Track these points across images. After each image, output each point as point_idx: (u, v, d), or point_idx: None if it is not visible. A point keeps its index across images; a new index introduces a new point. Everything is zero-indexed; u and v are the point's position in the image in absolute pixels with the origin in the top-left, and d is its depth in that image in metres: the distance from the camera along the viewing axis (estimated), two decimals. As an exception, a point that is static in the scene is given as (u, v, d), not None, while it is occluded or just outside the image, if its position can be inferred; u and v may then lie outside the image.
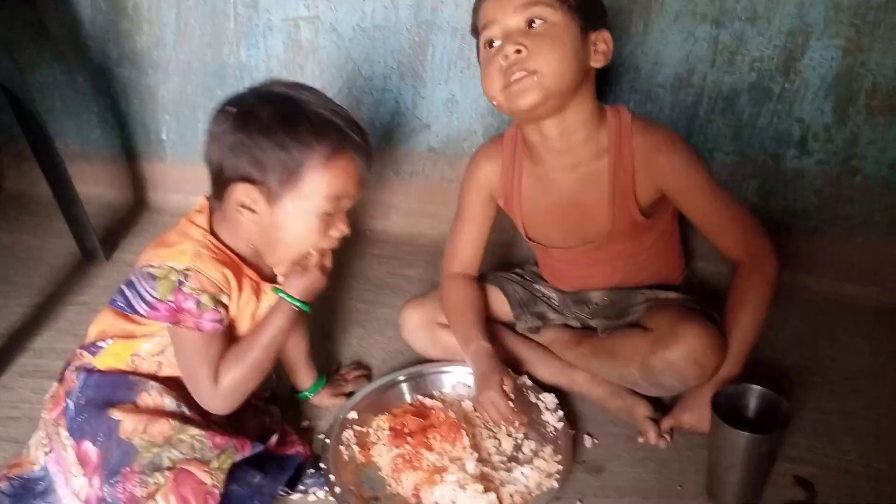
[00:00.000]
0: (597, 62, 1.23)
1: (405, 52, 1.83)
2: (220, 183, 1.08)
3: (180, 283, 1.05)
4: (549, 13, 1.17)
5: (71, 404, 1.10)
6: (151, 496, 0.99)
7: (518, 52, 1.16)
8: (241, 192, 1.05)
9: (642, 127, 1.28)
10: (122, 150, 2.14)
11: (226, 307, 1.10)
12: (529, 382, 1.39)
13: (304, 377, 1.39)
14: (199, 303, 1.06)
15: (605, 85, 1.61)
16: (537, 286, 1.54)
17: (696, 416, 1.25)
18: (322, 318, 1.64)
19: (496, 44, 1.20)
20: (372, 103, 1.91)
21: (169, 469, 1.01)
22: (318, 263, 1.13)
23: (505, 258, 1.83)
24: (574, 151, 1.29)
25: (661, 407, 1.35)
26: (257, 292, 1.16)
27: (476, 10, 1.25)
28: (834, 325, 1.64)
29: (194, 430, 1.06)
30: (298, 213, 1.07)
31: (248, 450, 1.08)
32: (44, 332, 1.58)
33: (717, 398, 1.15)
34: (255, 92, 1.09)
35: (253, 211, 1.07)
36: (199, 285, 1.06)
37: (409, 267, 1.89)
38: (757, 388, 1.18)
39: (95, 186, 2.11)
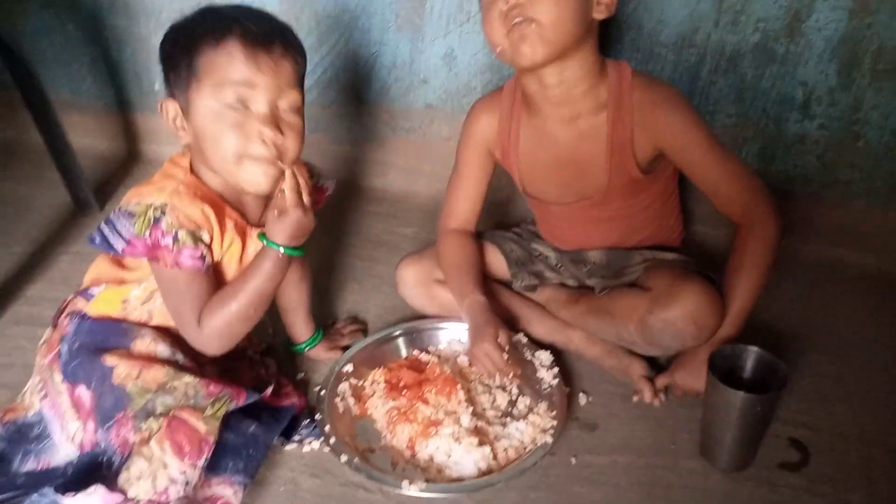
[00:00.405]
0: (599, 13, 1.19)
1: (403, 4, 1.79)
2: None
3: (156, 219, 1.03)
4: None
5: (65, 349, 1.10)
6: (145, 442, 0.98)
7: None
8: (165, 110, 1.08)
9: (643, 83, 1.26)
10: (115, 101, 2.11)
11: (208, 246, 1.08)
12: (525, 340, 1.39)
13: (302, 329, 1.38)
14: (175, 238, 1.04)
15: (605, 40, 1.58)
16: (534, 245, 1.53)
17: (693, 375, 1.25)
18: (318, 274, 1.62)
19: (498, -11, 1.17)
20: (369, 57, 1.87)
21: (162, 415, 1.01)
22: (293, 202, 1.07)
23: (502, 218, 1.82)
24: (573, 104, 1.27)
25: (657, 366, 1.35)
26: (243, 235, 1.14)
27: (477, -44, 1.22)
28: (832, 290, 1.64)
29: (188, 378, 1.05)
30: (205, 114, 1.05)
31: (242, 398, 1.07)
32: (37, 281, 1.58)
33: (714, 358, 1.15)
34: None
35: (184, 129, 1.08)
36: (177, 221, 1.04)
37: (405, 224, 1.88)
38: (754, 349, 1.17)
39: (87, 137, 2.09)
